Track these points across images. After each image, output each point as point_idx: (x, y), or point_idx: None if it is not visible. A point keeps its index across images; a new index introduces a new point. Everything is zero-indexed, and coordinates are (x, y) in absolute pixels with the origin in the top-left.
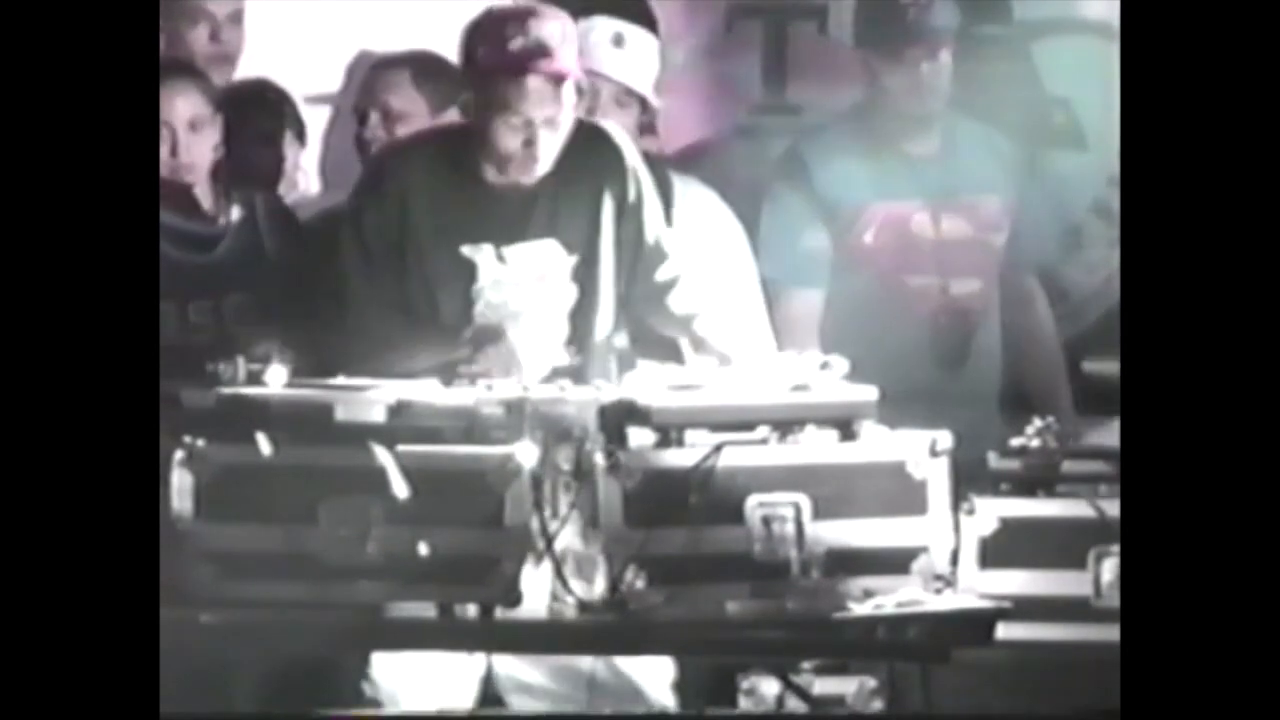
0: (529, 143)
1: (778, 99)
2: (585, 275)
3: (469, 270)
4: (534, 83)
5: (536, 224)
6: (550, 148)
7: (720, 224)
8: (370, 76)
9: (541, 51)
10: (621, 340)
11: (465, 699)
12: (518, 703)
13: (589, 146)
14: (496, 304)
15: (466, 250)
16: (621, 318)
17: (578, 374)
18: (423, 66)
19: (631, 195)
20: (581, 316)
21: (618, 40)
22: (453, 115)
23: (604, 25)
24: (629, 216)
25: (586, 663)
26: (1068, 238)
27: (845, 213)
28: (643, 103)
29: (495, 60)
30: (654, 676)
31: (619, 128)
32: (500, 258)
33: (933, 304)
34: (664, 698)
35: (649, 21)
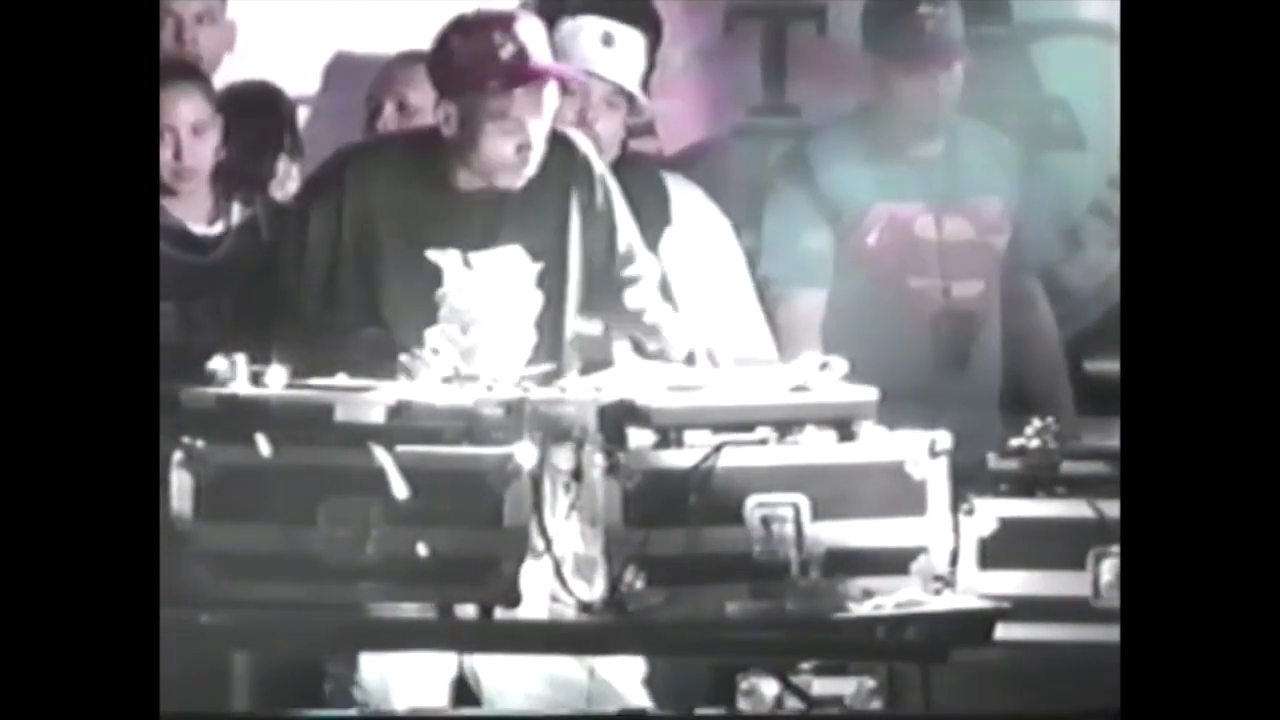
0: (523, 148)
1: (777, 100)
2: (551, 282)
3: (433, 274)
4: (529, 89)
5: (505, 231)
6: (537, 155)
7: (708, 221)
8: (388, 70)
9: (528, 57)
10: (594, 329)
11: (439, 695)
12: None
13: (556, 154)
14: (461, 309)
15: (432, 254)
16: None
17: (549, 380)
18: None
19: (599, 202)
20: (548, 323)
21: (607, 40)
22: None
23: (593, 25)
24: (597, 224)
25: (570, 672)
26: (1068, 238)
27: (848, 213)
28: (630, 101)
29: (486, 70)
30: (625, 675)
31: (584, 136)
32: (466, 263)
33: (934, 306)
34: (638, 697)
35: (654, 23)
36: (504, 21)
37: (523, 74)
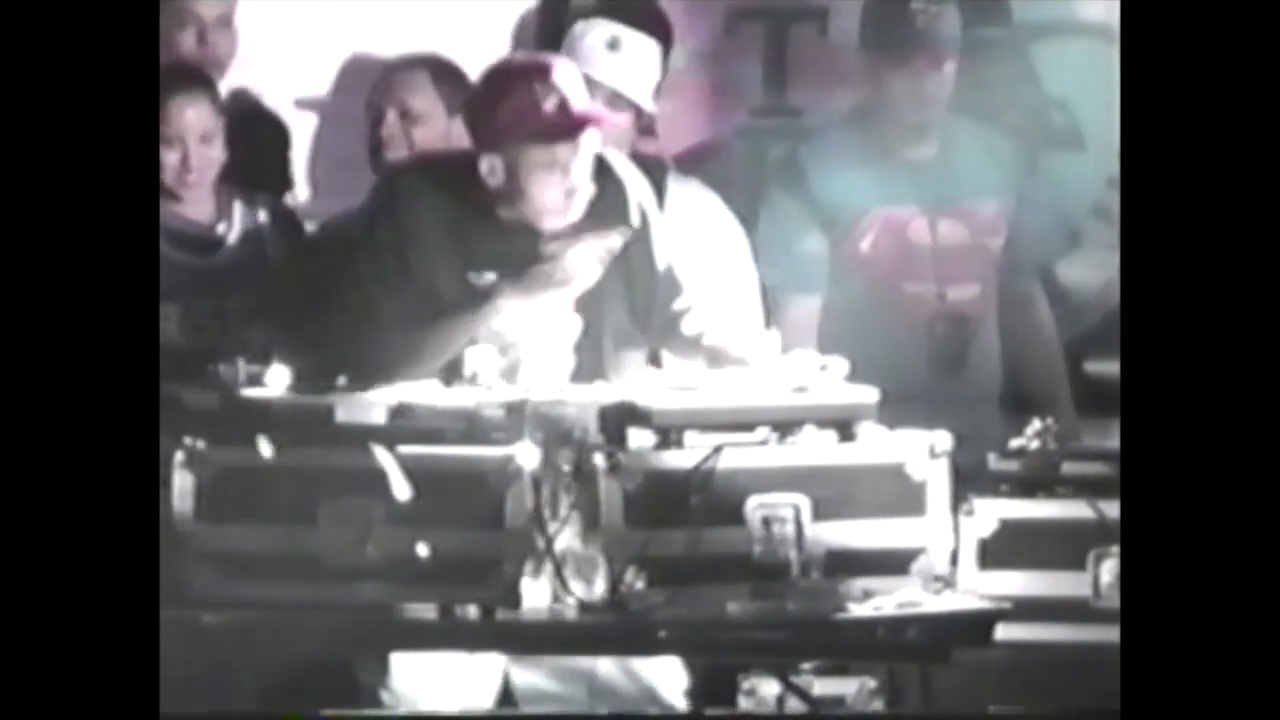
0: (570, 193)
1: (778, 101)
2: (591, 307)
3: (474, 297)
4: (563, 140)
5: (544, 256)
6: (585, 196)
7: (720, 226)
8: (387, 76)
9: (570, 106)
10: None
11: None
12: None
13: (596, 179)
14: (499, 332)
15: (473, 278)
16: (636, 346)
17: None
18: (440, 68)
19: (636, 223)
20: (587, 347)
21: (613, 44)
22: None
23: (601, 28)
24: (636, 246)
25: (604, 670)
26: (1068, 240)
27: (843, 218)
28: (638, 108)
29: (531, 123)
30: (667, 681)
31: (621, 156)
32: (506, 286)
33: (930, 310)
34: (677, 701)
35: (663, 27)
36: (542, 70)
37: (568, 125)
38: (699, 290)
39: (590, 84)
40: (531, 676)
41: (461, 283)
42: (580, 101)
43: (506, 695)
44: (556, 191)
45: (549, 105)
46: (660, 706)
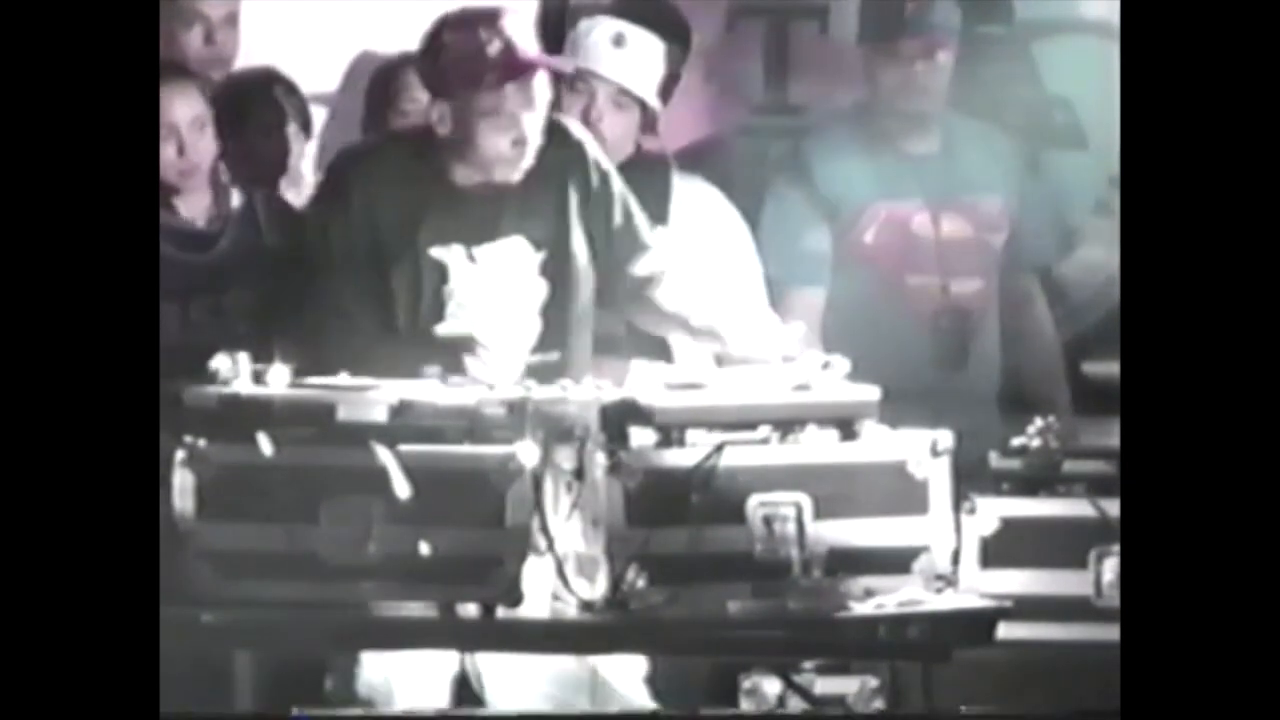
0: (518, 142)
1: (779, 99)
2: (555, 270)
3: (440, 272)
4: (520, 83)
5: (506, 223)
6: (533, 147)
7: (724, 222)
8: (390, 72)
9: (515, 50)
10: (618, 328)
11: (440, 693)
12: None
13: (551, 143)
14: (468, 304)
15: (436, 252)
16: (606, 311)
17: (555, 369)
18: None
19: (595, 183)
20: (554, 311)
21: (618, 40)
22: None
23: (606, 25)
24: (594, 206)
25: (574, 670)
26: (1068, 238)
27: (846, 212)
28: (643, 104)
29: (475, 68)
30: (626, 674)
31: (577, 122)
32: (470, 258)
33: (933, 304)
34: (639, 695)
35: (682, 28)
36: (489, 17)
37: (511, 68)
38: (668, 257)
39: (596, 80)
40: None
41: (425, 261)
42: (528, 48)
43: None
44: (503, 140)
45: (493, 49)
46: (621, 700)
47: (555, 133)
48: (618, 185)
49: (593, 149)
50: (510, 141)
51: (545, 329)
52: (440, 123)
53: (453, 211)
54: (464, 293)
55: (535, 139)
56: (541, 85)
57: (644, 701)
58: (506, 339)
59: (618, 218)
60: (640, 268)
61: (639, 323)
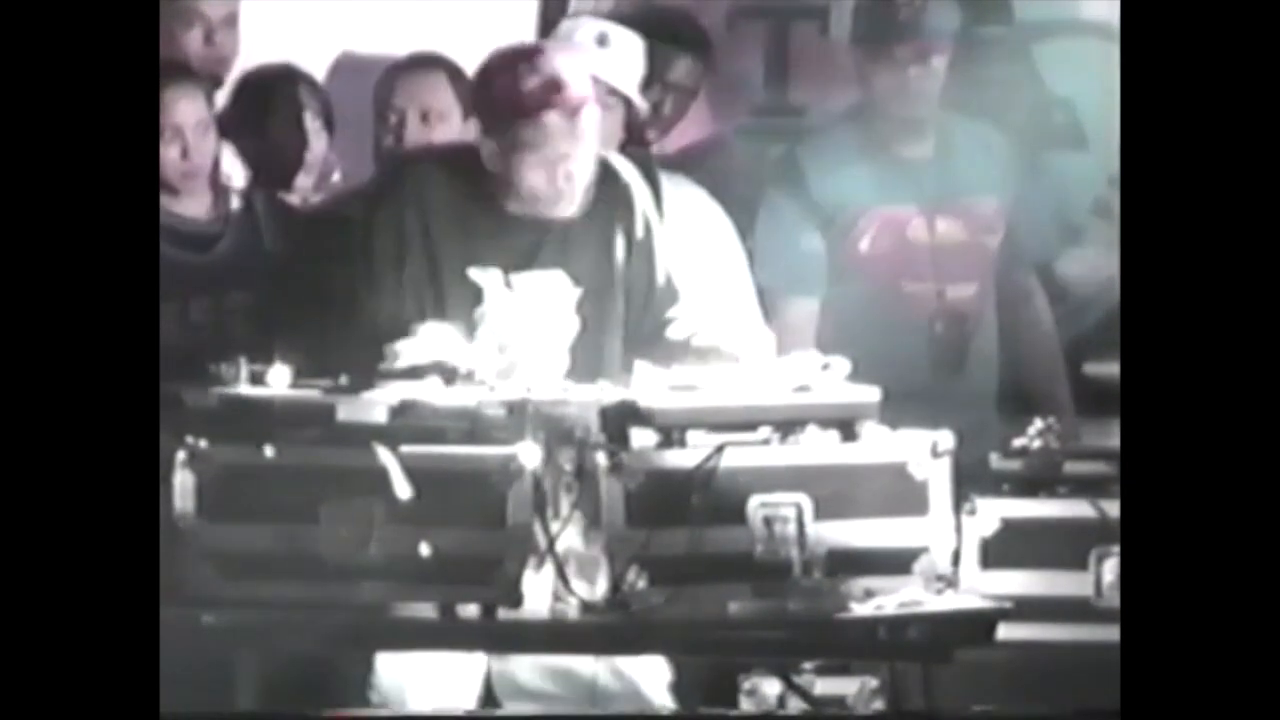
0: (560, 179)
1: (779, 100)
2: (591, 310)
3: (474, 292)
4: (553, 118)
5: (546, 255)
6: (582, 183)
7: (709, 221)
8: (406, 76)
9: (556, 86)
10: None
11: (467, 700)
12: (517, 708)
13: (601, 181)
14: (498, 329)
15: (474, 273)
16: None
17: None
18: (456, 69)
19: (639, 233)
20: (583, 350)
21: (602, 40)
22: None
23: (589, 25)
24: (638, 254)
25: (589, 669)
26: (1068, 238)
27: (841, 218)
28: (628, 103)
29: (511, 102)
30: (651, 678)
31: (628, 163)
32: (507, 284)
33: (929, 309)
34: (662, 699)
35: (701, 40)
36: (530, 53)
37: (552, 100)
38: (691, 295)
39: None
40: (514, 672)
41: (462, 275)
42: (573, 81)
43: (489, 694)
44: (541, 176)
45: (529, 84)
46: (645, 706)
47: (605, 172)
48: (662, 234)
49: (641, 196)
50: (556, 177)
51: (573, 366)
52: (490, 159)
53: (497, 235)
54: (495, 318)
55: (584, 175)
56: (590, 120)
57: (667, 707)
58: (533, 368)
59: (660, 276)
60: (675, 331)
61: (653, 360)
